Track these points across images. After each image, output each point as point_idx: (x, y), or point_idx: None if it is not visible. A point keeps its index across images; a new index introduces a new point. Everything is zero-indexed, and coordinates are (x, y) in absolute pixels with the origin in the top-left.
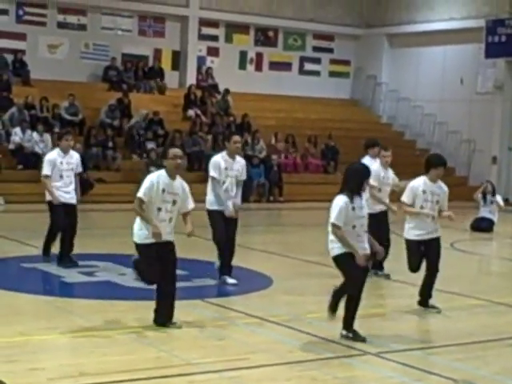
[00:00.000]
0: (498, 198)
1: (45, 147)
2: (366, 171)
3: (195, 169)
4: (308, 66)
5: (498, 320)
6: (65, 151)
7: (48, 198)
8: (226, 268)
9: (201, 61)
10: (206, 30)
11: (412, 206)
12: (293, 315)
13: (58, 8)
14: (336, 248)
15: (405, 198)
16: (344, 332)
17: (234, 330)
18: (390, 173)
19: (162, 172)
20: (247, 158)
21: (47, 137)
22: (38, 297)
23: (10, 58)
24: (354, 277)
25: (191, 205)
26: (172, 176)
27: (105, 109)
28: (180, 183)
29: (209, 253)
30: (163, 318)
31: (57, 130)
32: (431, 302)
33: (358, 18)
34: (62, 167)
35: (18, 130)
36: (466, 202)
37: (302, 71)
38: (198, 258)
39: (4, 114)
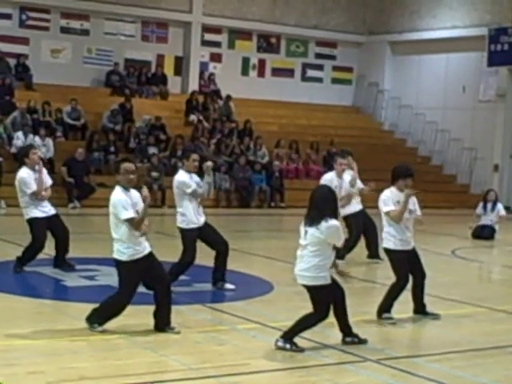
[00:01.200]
0: (500, 207)
1: (47, 151)
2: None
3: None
4: (310, 73)
5: (499, 327)
6: (34, 167)
7: (27, 216)
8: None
9: (203, 66)
10: (209, 36)
11: (388, 219)
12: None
13: (61, 13)
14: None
15: (390, 207)
16: (349, 339)
17: (234, 335)
18: (345, 182)
19: (118, 188)
20: (249, 164)
21: (49, 141)
22: (38, 300)
23: (12, 62)
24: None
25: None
26: (127, 188)
27: (107, 114)
28: (134, 192)
29: (210, 257)
30: (161, 323)
31: (59, 134)
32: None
33: (361, 25)
34: (35, 183)
35: (20, 134)
36: (468, 210)
37: (304, 78)
38: (200, 262)
39: (6, 117)
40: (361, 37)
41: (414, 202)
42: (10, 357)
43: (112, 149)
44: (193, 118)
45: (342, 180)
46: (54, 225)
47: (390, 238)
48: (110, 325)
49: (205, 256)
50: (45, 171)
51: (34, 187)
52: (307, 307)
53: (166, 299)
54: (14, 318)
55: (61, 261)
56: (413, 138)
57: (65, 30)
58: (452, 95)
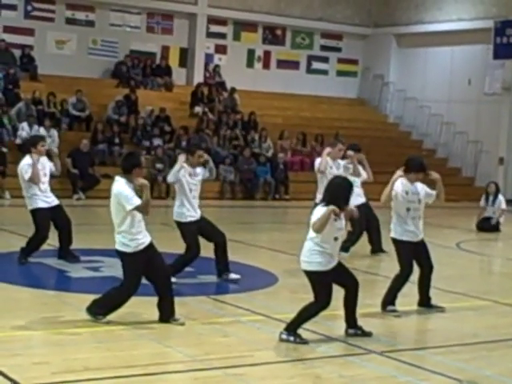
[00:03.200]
0: (501, 200)
1: (52, 142)
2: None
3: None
4: (316, 65)
5: (504, 321)
6: (38, 158)
7: (31, 206)
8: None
9: (208, 58)
10: (214, 28)
11: (396, 210)
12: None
13: (66, 4)
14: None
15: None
16: (352, 331)
17: (238, 327)
18: (341, 166)
19: (121, 180)
20: (254, 156)
21: (54, 132)
22: (42, 291)
23: (17, 53)
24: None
25: None
26: (130, 180)
27: (112, 105)
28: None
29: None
30: (165, 315)
31: (64, 125)
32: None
33: (367, 17)
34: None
35: (25, 124)
36: (472, 203)
37: (309, 70)
38: (204, 254)
39: (11, 108)
40: (366, 29)
41: (423, 191)
42: (14, 347)
43: (116, 140)
44: (198, 109)
45: (337, 163)
46: (57, 215)
47: (395, 229)
48: (115, 316)
49: (209, 248)
50: (46, 161)
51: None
52: (311, 299)
53: (168, 291)
54: (18, 309)
55: (65, 252)
56: (418, 131)
57: (70, 21)
58: (457, 88)
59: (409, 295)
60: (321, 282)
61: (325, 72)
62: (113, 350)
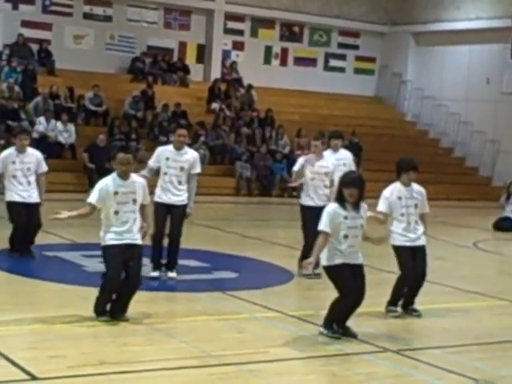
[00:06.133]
0: None
1: (69, 137)
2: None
3: (218, 162)
4: (333, 63)
5: None
6: (19, 151)
7: (7, 198)
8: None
9: (226, 55)
10: (232, 24)
11: (390, 215)
12: (313, 310)
13: None
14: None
15: (380, 207)
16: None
17: (254, 323)
18: (323, 161)
19: (111, 175)
20: (270, 153)
21: (71, 127)
22: (59, 285)
23: (35, 47)
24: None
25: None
26: (123, 177)
27: (129, 100)
28: (132, 181)
29: (230, 245)
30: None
31: (80, 121)
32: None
33: (384, 15)
34: (13, 167)
35: (42, 119)
36: (490, 202)
37: (326, 67)
38: (220, 250)
39: (29, 103)
40: (384, 27)
41: (421, 197)
42: (31, 340)
43: (133, 135)
44: (215, 106)
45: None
46: (29, 213)
47: (391, 234)
48: (130, 311)
49: (224, 243)
50: (38, 156)
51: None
52: (327, 296)
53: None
54: (35, 303)
55: (23, 248)
56: (435, 130)
57: (88, 16)
58: (475, 87)
59: (426, 294)
60: (331, 277)
61: (342, 70)
62: (129, 345)
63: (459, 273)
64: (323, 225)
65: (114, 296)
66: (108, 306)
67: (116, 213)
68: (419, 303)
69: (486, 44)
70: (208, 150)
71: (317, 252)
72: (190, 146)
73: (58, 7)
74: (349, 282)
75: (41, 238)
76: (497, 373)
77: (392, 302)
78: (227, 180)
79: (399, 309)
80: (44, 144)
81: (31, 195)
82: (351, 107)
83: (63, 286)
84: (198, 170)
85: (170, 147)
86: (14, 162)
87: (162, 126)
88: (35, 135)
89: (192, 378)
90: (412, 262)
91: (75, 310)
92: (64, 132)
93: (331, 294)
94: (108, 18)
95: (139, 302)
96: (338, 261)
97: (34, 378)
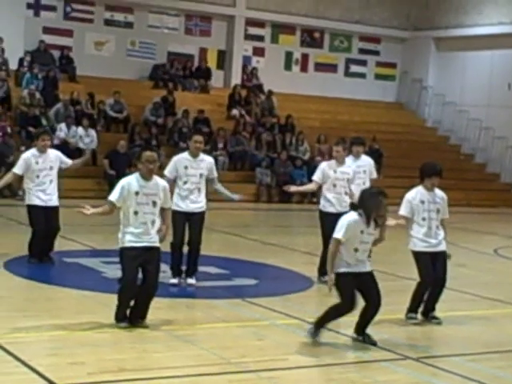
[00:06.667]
0: None
1: (90, 142)
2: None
3: (238, 168)
4: (354, 68)
5: None
6: (41, 151)
7: (27, 201)
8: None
9: (246, 60)
10: (252, 30)
11: (411, 219)
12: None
13: (105, 5)
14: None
15: (402, 211)
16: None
17: (273, 330)
18: (345, 168)
19: (133, 175)
20: (290, 159)
21: (92, 132)
22: (79, 291)
23: (56, 54)
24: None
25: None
26: (145, 177)
27: (149, 106)
28: (155, 182)
29: (249, 252)
30: (132, 318)
31: (99, 128)
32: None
33: (405, 20)
34: (37, 167)
35: (63, 125)
36: (511, 209)
37: (347, 73)
38: (239, 257)
39: (50, 109)
40: (405, 32)
41: (443, 202)
42: (50, 347)
43: (154, 142)
44: (235, 112)
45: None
46: (48, 217)
47: (411, 239)
48: (150, 317)
49: (243, 250)
50: (57, 153)
51: (19, 170)
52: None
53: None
54: (55, 309)
55: (42, 253)
56: (456, 136)
57: (109, 23)
58: (497, 92)
59: (448, 301)
60: (339, 284)
61: (363, 75)
62: (148, 352)
63: (480, 280)
64: (341, 233)
65: (132, 302)
66: (128, 313)
67: (135, 213)
68: (439, 310)
69: (509, 49)
70: (228, 156)
71: (331, 262)
72: (210, 152)
73: (80, 14)
74: (348, 292)
75: (60, 245)
76: None
77: (411, 309)
78: (247, 186)
79: (419, 316)
80: (65, 150)
81: (51, 198)
82: (372, 113)
83: (83, 293)
84: (215, 174)
85: (185, 155)
86: (37, 163)
87: (182, 133)
88: (56, 141)
89: None
90: (432, 268)
91: (95, 316)
92: (85, 137)
93: None
94: (129, 25)
95: (159, 309)
96: (342, 269)
97: None
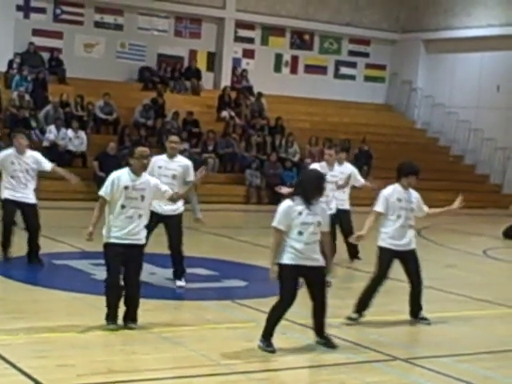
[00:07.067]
0: None
1: (80, 144)
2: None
3: (228, 170)
4: (343, 70)
5: None
6: (19, 152)
7: (1, 195)
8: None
9: (236, 62)
10: (242, 32)
11: (386, 215)
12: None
13: (95, 7)
14: None
15: (379, 207)
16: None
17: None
18: (335, 171)
19: (124, 169)
20: (280, 161)
21: (82, 134)
22: (68, 293)
23: (46, 56)
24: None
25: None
26: (137, 173)
27: (139, 108)
28: (146, 180)
29: (239, 253)
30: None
31: (89, 130)
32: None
33: (395, 22)
34: (12, 167)
35: (52, 127)
36: (500, 210)
37: (337, 75)
38: (229, 258)
39: (39, 111)
40: (394, 34)
41: (417, 202)
42: (39, 349)
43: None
44: (225, 114)
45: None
46: (25, 214)
47: (380, 235)
48: (139, 319)
49: (233, 252)
50: (37, 157)
51: None
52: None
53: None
54: (44, 311)
55: (33, 257)
56: (445, 137)
57: (98, 25)
58: (486, 94)
59: (437, 302)
60: (280, 276)
61: (352, 77)
62: (137, 353)
63: (469, 281)
64: (276, 221)
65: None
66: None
67: (122, 207)
68: (428, 311)
69: (498, 51)
70: (218, 158)
71: (274, 252)
72: (199, 154)
73: (69, 16)
74: (293, 286)
75: (50, 247)
76: (507, 381)
77: (360, 305)
78: (237, 188)
79: (357, 317)
80: (54, 152)
81: (26, 197)
82: (361, 115)
83: (72, 295)
84: (191, 177)
85: (163, 155)
86: (12, 163)
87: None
88: (45, 143)
89: None
90: (404, 269)
91: (84, 318)
92: (75, 139)
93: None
94: (119, 27)
95: (148, 311)
96: (286, 261)
97: None
